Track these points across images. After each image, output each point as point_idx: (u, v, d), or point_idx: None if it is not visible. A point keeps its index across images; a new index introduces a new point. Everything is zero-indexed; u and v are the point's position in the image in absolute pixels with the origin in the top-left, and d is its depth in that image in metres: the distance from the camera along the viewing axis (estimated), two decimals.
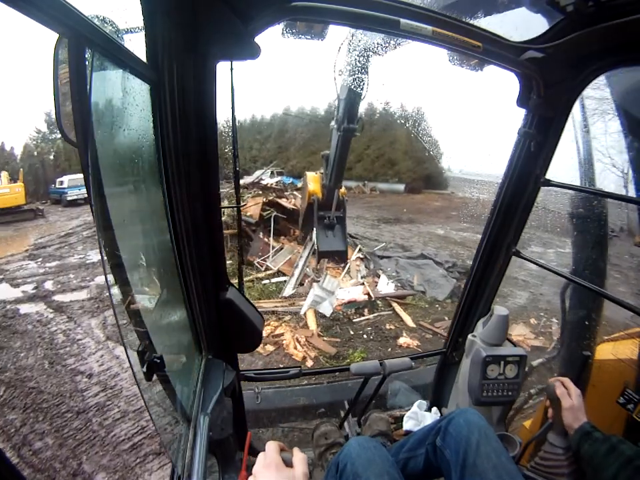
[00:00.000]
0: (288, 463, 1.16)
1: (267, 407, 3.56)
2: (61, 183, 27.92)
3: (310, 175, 6.42)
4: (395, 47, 2.37)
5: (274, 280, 9.72)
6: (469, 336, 2.27)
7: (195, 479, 1.31)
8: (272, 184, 13.69)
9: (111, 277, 1.13)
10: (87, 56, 0.89)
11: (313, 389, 4.10)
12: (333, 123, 4.47)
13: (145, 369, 1.18)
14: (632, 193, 2.34)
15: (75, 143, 0.91)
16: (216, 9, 1.21)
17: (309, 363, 6.57)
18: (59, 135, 0.93)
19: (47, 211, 24.75)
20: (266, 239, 10.90)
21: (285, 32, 1.51)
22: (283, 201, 12.01)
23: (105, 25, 1.02)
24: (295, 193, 13.13)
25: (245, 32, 1.29)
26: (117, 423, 5.06)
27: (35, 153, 37.85)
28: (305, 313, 8.05)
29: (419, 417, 2.59)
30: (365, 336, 7.58)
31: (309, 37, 1.53)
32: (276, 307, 8.41)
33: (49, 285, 10.66)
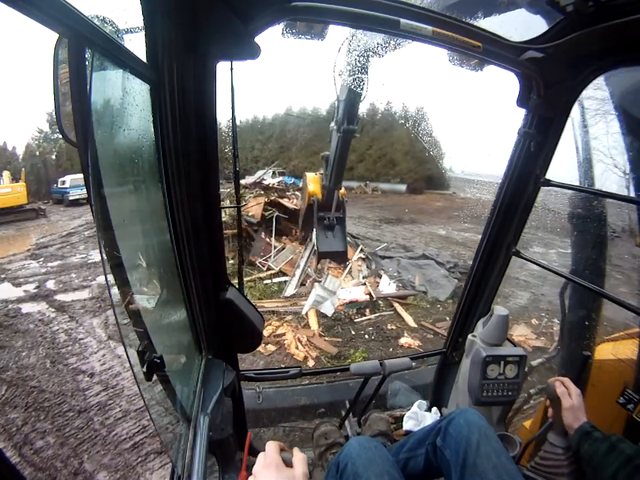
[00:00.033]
0: (288, 463, 1.16)
1: (268, 406, 3.57)
2: (63, 182, 27.93)
3: (310, 175, 6.41)
4: (395, 48, 2.37)
5: (276, 280, 9.73)
6: (469, 336, 2.26)
7: (194, 479, 1.30)
8: (274, 184, 13.68)
9: (111, 277, 1.13)
10: (87, 56, 0.89)
11: (314, 389, 4.10)
12: (332, 124, 4.46)
13: (144, 369, 1.18)
14: (633, 193, 2.34)
15: (75, 143, 0.91)
16: (216, 8, 1.21)
17: (311, 363, 6.57)
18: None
19: (48, 211, 24.77)
20: (268, 239, 10.91)
21: (284, 32, 1.51)
22: (285, 201, 12.01)
23: (105, 25, 1.02)
24: (296, 193, 13.13)
25: (245, 32, 1.29)
26: (119, 422, 5.08)
27: (37, 153, 37.88)
28: (306, 313, 8.06)
29: (418, 417, 2.59)
30: (366, 336, 7.59)
31: (309, 37, 1.54)
32: (277, 306, 8.42)
33: (50, 285, 10.68)
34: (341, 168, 5.10)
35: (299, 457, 1.17)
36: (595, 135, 2.52)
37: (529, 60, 1.63)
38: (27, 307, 9.03)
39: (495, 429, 1.58)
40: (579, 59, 1.64)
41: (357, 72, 3.12)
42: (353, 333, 7.70)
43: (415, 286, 9.78)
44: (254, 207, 11.43)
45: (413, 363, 2.43)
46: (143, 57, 1.23)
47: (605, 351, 2.45)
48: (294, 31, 1.51)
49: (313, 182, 6.18)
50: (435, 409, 2.67)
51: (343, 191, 5.74)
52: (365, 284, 9.31)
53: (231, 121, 1.77)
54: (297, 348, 6.95)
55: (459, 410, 1.65)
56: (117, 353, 6.78)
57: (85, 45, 0.88)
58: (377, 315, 8.38)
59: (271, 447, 1.18)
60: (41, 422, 5.05)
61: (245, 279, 9.14)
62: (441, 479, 1.64)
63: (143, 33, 1.20)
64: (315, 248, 6.57)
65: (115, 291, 1.18)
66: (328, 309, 8.08)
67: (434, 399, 2.78)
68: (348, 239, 11.54)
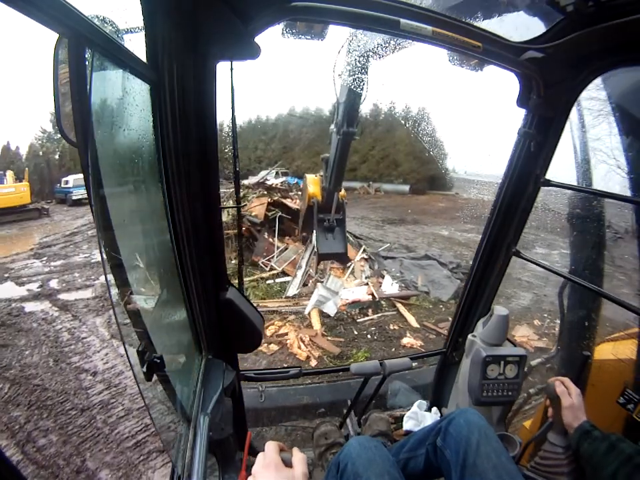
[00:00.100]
0: (287, 463, 1.16)
1: (270, 405, 3.58)
2: (66, 182, 27.98)
3: (310, 177, 6.40)
4: (395, 48, 2.37)
5: (278, 280, 9.73)
6: (469, 336, 2.26)
7: (194, 479, 1.31)
8: (277, 184, 13.69)
9: (111, 277, 1.13)
10: (87, 56, 0.89)
11: (315, 388, 4.11)
12: (332, 126, 4.46)
13: (145, 369, 1.19)
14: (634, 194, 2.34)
15: (75, 143, 0.91)
16: (216, 8, 1.21)
17: (313, 363, 6.57)
18: None
19: (52, 210, 24.82)
20: (271, 239, 10.90)
21: (284, 32, 1.51)
22: (288, 202, 12.01)
23: (105, 25, 1.02)
24: (299, 193, 13.13)
25: (245, 32, 1.29)
26: (121, 421, 5.08)
27: (41, 153, 37.97)
28: (309, 313, 8.06)
29: (419, 417, 2.59)
30: (368, 336, 7.58)
31: (309, 37, 1.54)
32: (280, 306, 8.43)
33: (53, 284, 10.70)
34: (340, 170, 5.10)
35: (298, 457, 1.17)
36: (594, 135, 2.52)
37: (529, 60, 1.63)
38: (30, 306, 9.05)
39: (495, 429, 1.58)
40: (579, 59, 1.63)
41: (356, 74, 3.12)
42: (356, 332, 7.69)
43: (418, 286, 9.77)
44: (257, 207, 11.43)
45: (414, 363, 2.43)
46: (143, 57, 1.23)
47: (604, 351, 2.44)
48: (294, 31, 1.51)
49: (313, 183, 6.18)
50: (434, 408, 2.67)
51: (343, 192, 5.74)
52: (367, 284, 9.30)
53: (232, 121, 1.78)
54: (299, 348, 6.95)
55: (459, 410, 1.65)
56: (119, 351, 6.79)
57: (85, 44, 0.88)
58: (379, 315, 8.37)
59: (270, 447, 1.18)
60: (43, 420, 5.06)
61: (248, 279, 9.17)
62: (441, 479, 1.64)
63: (143, 33, 1.20)
64: (315, 249, 6.57)
65: (115, 291, 1.18)
66: (330, 308, 8.08)
67: (434, 398, 2.78)
68: (351, 239, 11.57)
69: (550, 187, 1.99)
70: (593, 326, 2.80)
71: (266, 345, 7.01)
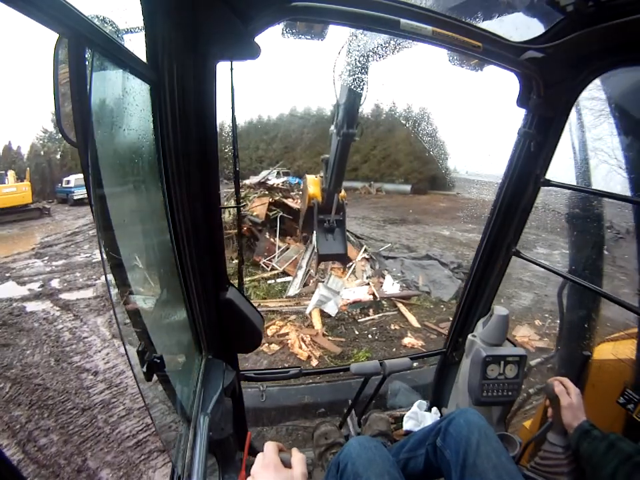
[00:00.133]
0: (286, 464, 1.16)
1: (271, 405, 3.58)
2: (68, 182, 28.03)
3: (310, 178, 6.39)
4: (395, 48, 2.36)
5: (279, 280, 9.74)
6: (469, 336, 2.26)
7: (194, 479, 1.31)
8: (278, 184, 13.67)
9: (111, 277, 1.14)
10: (87, 56, 0.89)
11: (317, 388, 4.12)
12: (332, 127, 4.44)
13: (144, 369, 1.19)
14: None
15: (75, 143, 0.91)
16: (216, 8, 1.21)
17: (314, 362, 6.58)
18: None
19: (53, 210, 24.87)
20: (272, 239, 10.91)
21: (284, 32, 1.51)
22: (289, 201, 12.00)
23: (105, 25, 1.02)
24: (300, 193, 13.11)
25: (245, 32, 1.29)
26: (122, 420, 5.09)
27: (42, 152, 38.02)
28: (310, 313, 8.06)
29: (418, 417, 2.59)
30: (369, 336, 7.59)
31: (309, 37, 1.53)
32: (281, 306, 8.44)
33: (55, 283, 10.72)
34: (340, 171, 5.08)
35: (297, 457, 1.17)
36: (595, 135, 2.51)
37: (529, 60, 1.63)
38: (31, 306, 9.07)
39: (495, 429, 1.58)
40: (578, 58, 1.63)
41: (356, 75, 3.12)
42: (357, 332, 7.70)
43: (419, 286, 9.77)
44: (258, 207, 11.42)
45: (415, 363, 2.42)
46: (143, 57, 1.23)
47: (604, 351, 2.44)
48: (294, 31, 1.51)
49: (313, 184, 6.17)
50: (435, 408, 2.67)
51: (343, 193, 5.73)
52: (368, 284, 9.30)
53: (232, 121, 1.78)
54: (300, 347, 6.95)
55: (459, 410, 1.65)
56: (120, 351, 6.80)
57: (85, 45, 0.88)
58: (380, 315, 8.38)
59: (269, 447, 1.18)
60: (44, 419, 5.07)
61: (249, 279, 9.18)
62: (441, 479, 1.64)
63: (143, 33, 1.20)
64: (315, 250, 6.56)
65: (115, 291, 1.18)
66: (331, 308, 8.08)
67: (434, 399, 2.78)
68: (352, 239, 11.57)
69: (550, 187, 1.99)
70: (592, 326, 2.80)
71: (267, 344, 7.01)
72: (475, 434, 1.46)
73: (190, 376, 1.75)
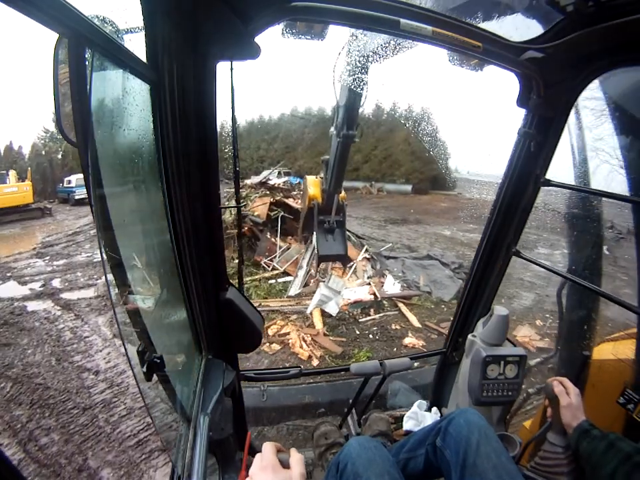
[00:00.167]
0: (285, 464, 1.16)
1: (272, 404, 3.58)
2: (69, 181, 28.09)
3: (310, 178, 6.38)
4: (395, 49, 2.36)
5: (280, 280, 9.75)
6: (469, 336, 2.26)
7: (194, 479, 1.31)
8: (279, 184, 13.67)
9: (111, 277, 1.14)
10: (87, 56, 0.89)
11: (317, 387, 4.11)
12: (332, 129, 4.44)
13: (144, 369, 1.19)
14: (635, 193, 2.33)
15: (75, 143, 0.91)
16: (216, 9, 1.21)
17: (315, 362, 6.58)
18: None
19: (54, 210, 24.91)
20: (273, 239, 10.90)
21: (284, 32, 1.51)
22: (290, 201, 11.98)
23: (105, 25, 1.02)
24: (302, 192, 13.09)
25: (245, 32, 1.29)
26: (123, 420, 5.10)
27: (43, 152, 38.10)
28: (311, 312, 8.06)
29: (418, 417, 2.59)
30: (370, 336, 7.59)
31: (309, 37, 1.53)
32: (282, 305, 8.44)
33: (56, 283, 10.74)
34: (340, 172, 5.08)
35: (295, 458, 1.17)
36: (595, 135, 2.51)
37: (529, 60, 1.63)
38: (32, 305, 9.08)
39: (495, 429, 1.58)
40: (578, 58, 1.63)
41: (356, 77, 3.12)
42: (358, 332, 7.70)
43: (420, 286, 9.78)
44: (259, 207, 11.42)
45: (416, 363, 2.42)
46: (143, 57, 1.23)
47: (604, 351, 2.43)
48: (294, 31, 1.51)
49: (313, 185, 6.16)
50: (435, 408, 2.67)
51: (343, 194, 5.72)
52: (369, 284, 9.31)
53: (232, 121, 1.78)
54: (301, 347, 6.96)
55: (458, 410, 1.65)
56: (121, 351, 6.78)
57: (85, 45, 0.88)
58: (381, 314, 8.38)
59: (267, 448, 1.18)
60: (45, 419, 5.07)
61: (250, 279, 9.19)
62: (441, 479, 1.64)
63: (143, 33, 1.20)
64: (315, 251, 6.56)
65: (115, 291, 1.19)
66: (332, 308, 8.08)
67: (434, 399, 2.78)
68: (353, 239, 11.57)
69: (550, 187, 1.99)
70: (592, 326, 2.80)
71: (268, 344, 7.02)
72: (474, 434, 1.46)
73: (190, 376, 1.75)
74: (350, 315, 8.26)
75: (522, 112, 1.92)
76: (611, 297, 1.88)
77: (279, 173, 20.71)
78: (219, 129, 1.50)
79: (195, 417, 1.56)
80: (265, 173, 15.39)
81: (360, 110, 4.02)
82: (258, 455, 1.17)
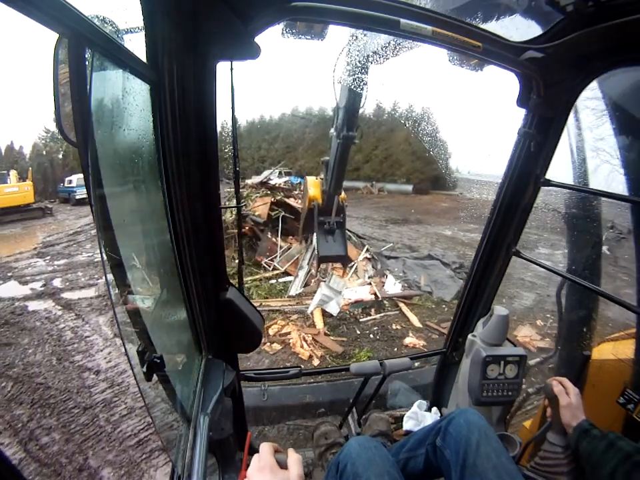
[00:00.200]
0: (282, 465, 1.16)
1: (273, 404, 3.59)
2: (70, 181, 28.13)
3: (310, 179, 6.38)
4: (395, 49, 2.36)
5: (281, 280, 9.75)
6: (469, 336, 2.26)
7: (194, 479, 1.31)
8: (280, 184, 13.65)
9: (111, 277, 1.14)
10: (87, 56, 0.90)
11: (318, 387, 4.12)
12: (332, 130, 4.45)
13: (144, 369, 1.19)
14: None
15: (75, 143, 0.91)
16: (216, 9, 1.21)
17: (316, 362, 6.58)
18: None
19: (55, 210, 24.95)
20: (274, 239, 10.90)
21: (284, 32, 1.51)
22: (291, 201, 11.98)
23: (105, 25, 1.02)
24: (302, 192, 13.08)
25: (245, 32, 1.29)
26: (124, 419, 5.10)
27: (44, 152, 38.17)
28: (311, 312, 8.06)
29: (419, 417, 2.59)
30: (371, 335, 7.59)
31: (309, 37, 1.53)
32: (283, 305, 8.44)
33: (57, 283, 10.74)
34: (340, 173, 5.09)
35: (293, 458, 1.17)
36: (594, 135, 2.51)
37: (528, 60, 1.63)
38: (33, 305, 9.09)
39: (495, 429, 1.58)
40: (578, 58, 1.63)
41: (356, 78, 3.12)
42: (358, 332, 7.70)
43: (421, 286, 9.78)
44: (260, 207, 11.41)
45: (417, 363, 2.42)
46: (143, 57, 1.23)
47: (604, 351, 2.43)
48: (294, 30, 1.51)
49: (314, 186, 6.16)
50: (435, 409, 2.67)
51: (343, 195, 5.73)
52: (370, 284, 9.31)
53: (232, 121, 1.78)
54: (301, 347, 6.96)
55: (458, 410, 1.65)
56: (122, 350, 6.79)
57: (85, 45, 0.88)
58: (382, 314, 8.38)
59: (265, 448, 1.18)
60: (46, 418, 5.08)
61: (251, 278, 9.19)
62: (441, 479, 1.64)
63: (143, 33, 1.20)
64: (316, 252, 6.57)
65: (115, 291, 1.19)
66: (333, 308, 8.08)
67: (434, 399, 2.78)
68: (354, 238, 11.56)
69: (551, 187, 1.99)
70: (591, 325, 2.80)
71: (269, 344, 7.02)
72: (474, 434, 1.46)
73: (190, 376, 1.75)
74: (351, 315, 8.26)
75: (522, 112, 1.92)
76: (611, 297, 1.88)
77: (280, 172, 20.72)
78: (219, 129, 1.50)
79: (194, 417, 1.55)
80: (265, 173, 15.39)
81: (360, 111, 4.02)
82: (255, 456, 1.17)
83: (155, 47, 1.24)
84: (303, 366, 2.75)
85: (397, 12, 1.42)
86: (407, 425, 2.57)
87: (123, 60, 1.08)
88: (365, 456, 1.44)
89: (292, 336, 7.31)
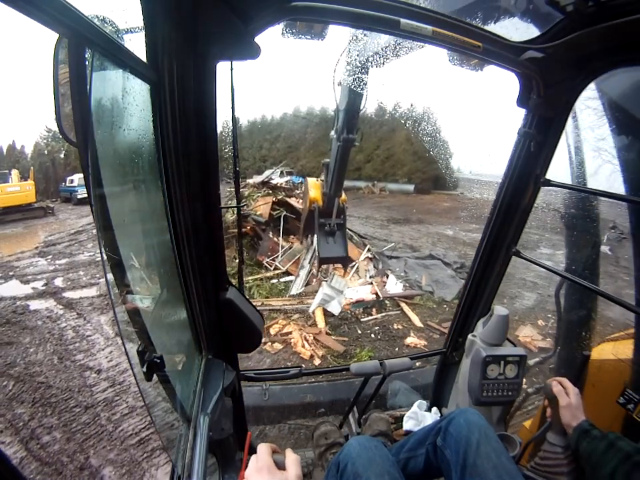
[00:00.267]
0: (280, 466, 1.15)
1: (273, 403, 3.59)
2: (71, 181, 28.17)
3: (311, 181, 6.39)
4: (395, 50, 2.36)
5: (282, 279, 9.74)
6: (469, 336, 2.26)
7: (194, 479, 1.31)
8: (282, 183, 13.64)
9: (111, 277, 1.14)
10: (87, 56, 0.90)
11: (318, 387, 4.11)
12: (332, 132, 4.46)
13: (144, 369, 1.19)
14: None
15: (75, 142, 0.92)
16: (216, 9, 1.21)
17: (317, 362, 6.57)
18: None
19: (57, 209, 24.96)
20: (275, 239, 10.89)
21: (284, 32, 1.51)
22: (293, 201, 11.97)
23: (105, 25, 1.02)
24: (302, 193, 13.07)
25: (245, 32, 1.29)
26: (125, 418, 5.10)
27: (46, 152, 38.20)
28: (313, 312, 8.06)
29: (419, 417, 2.59)
30: (372, 335, 7.58)
31: (309, 37, 1.54)
32: (285, 304, 8.44)
33: (58, 282, 10.74)
34: (341, 175, 5.10)
35: (291, 459, 1.16)
36: (594, 135, 2.51)
37: (528, 60, 1.63)
38: (34, 304, 9.09)
39: (495, 429, 1.58)
40: (578, 58, 1.63)
41: (356, 80, 3.12)
42: (360, 332, 7.69)
43: (422, 286, 9.77)
44: (262, 206, 11.40)
45: (418, 363, 2.42)
46: (143, 57, 1.23)
47: (604, 351, 2.43)
48: (294, 30, 1.51)
49: (314, 188, 6.17)
50: (435, 409, 2.67)
51: (343, 197, 5.75)
52: (371, 283, 9.31)
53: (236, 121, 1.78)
54: (303, 346, 6.95)
55: (458, 410, 1.65)
56: (123, 350, 6.80)
57: (85, 45, 0.88)
58: (383, 314, 8.38)
59: (262, 449, 1.18)
60: (47, 417, 5.08)
61: (252, 278, 9.19)
62: (441, 478, 1.64)
63: (143, 33, 1.20)
64: (316, 253, 6.59)
65: (115, 290, 1.19)
66: (335, 307, 8.08)
67: (434, 398, 2.78)
68: (355, 238, 11.56)
69: (551, 187, 1.99)
70: (591, 325, 2.80)
71: (270, 343, 7.02)
72: (475, 434, 1.46)
73: (190, 376, 1.75)
74: (352, 315, 8.26)
75: (522, 112, 1.92)
76: (610, 297, 1.88)
77: (282, 172, 20.72)
78: (219, 129, 1.50)
79: (195, 417, 1.56)
80: (267, 173, 15.39)
81: (361, 112, 4.02)
82: (253, 456, 1.17)
83: (154, 47, 1.24)
84: (304, 365, 2.75)
85: (397, 12, 1.42)
86: (407, 424, 2.57)
87: (123, 60, 1.08)
88: (365, 456, 1.44)
89: (293, 335, 7.30)
